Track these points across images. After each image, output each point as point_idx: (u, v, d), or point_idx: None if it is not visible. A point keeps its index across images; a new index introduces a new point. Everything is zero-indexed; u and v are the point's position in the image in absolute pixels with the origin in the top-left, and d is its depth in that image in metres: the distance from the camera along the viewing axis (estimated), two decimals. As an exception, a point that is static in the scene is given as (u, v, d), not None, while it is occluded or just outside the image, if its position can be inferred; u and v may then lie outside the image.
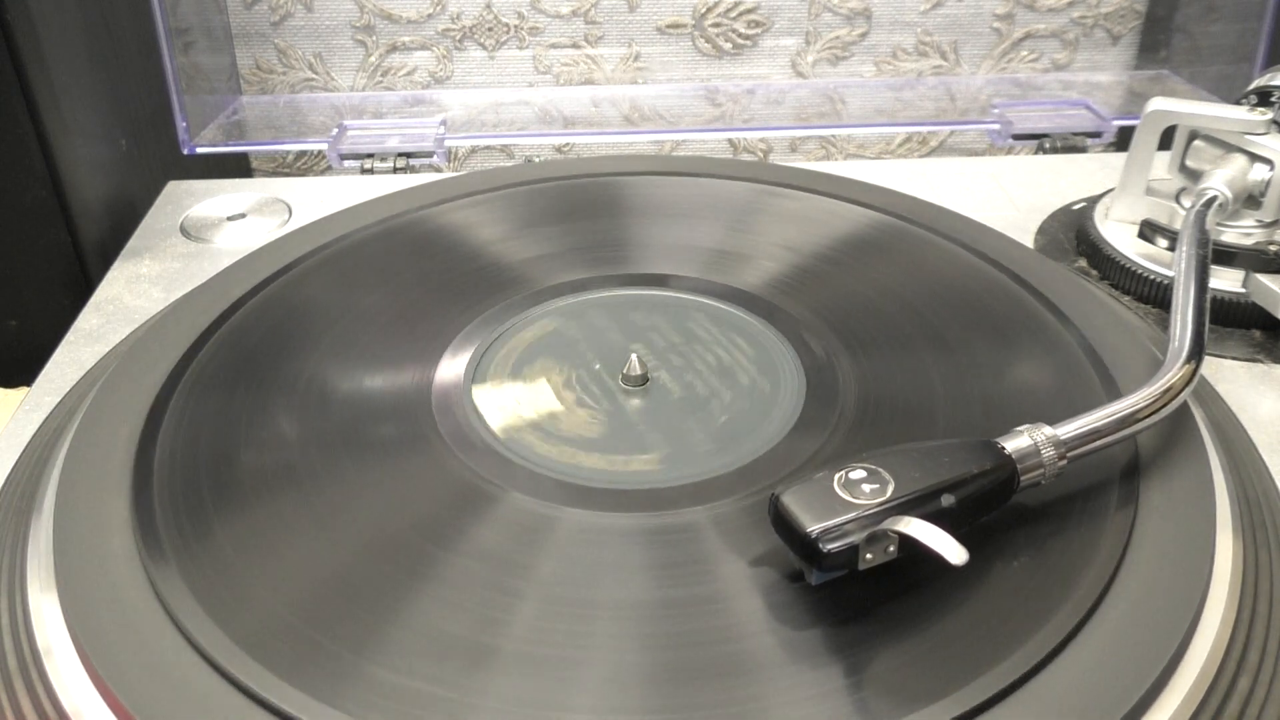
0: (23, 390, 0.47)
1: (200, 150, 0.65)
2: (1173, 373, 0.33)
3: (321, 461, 0.34)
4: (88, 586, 0.29)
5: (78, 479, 0.33)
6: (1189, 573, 0.29)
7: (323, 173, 0.80)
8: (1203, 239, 0.41)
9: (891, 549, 0.27)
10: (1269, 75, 0.48)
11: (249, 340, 0.40)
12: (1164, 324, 0.37)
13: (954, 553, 0.26)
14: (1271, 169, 0.45)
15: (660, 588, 0.29)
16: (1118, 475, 0.32)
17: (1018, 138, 0.66)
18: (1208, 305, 0.38)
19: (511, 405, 0.37)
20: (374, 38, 0.74)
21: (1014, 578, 0.29)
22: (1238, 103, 0.48)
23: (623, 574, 0.30)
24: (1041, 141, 0.65)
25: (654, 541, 0.31)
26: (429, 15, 0.73)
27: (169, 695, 0.26)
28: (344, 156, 0.63)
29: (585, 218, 0.48)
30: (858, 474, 0.28)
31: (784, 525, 0.28)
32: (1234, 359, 0.43)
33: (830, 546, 0.27)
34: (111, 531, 0.31)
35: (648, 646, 0.27)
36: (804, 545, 0.27)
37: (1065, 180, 0.58)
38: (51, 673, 0.28)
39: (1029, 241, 0.51)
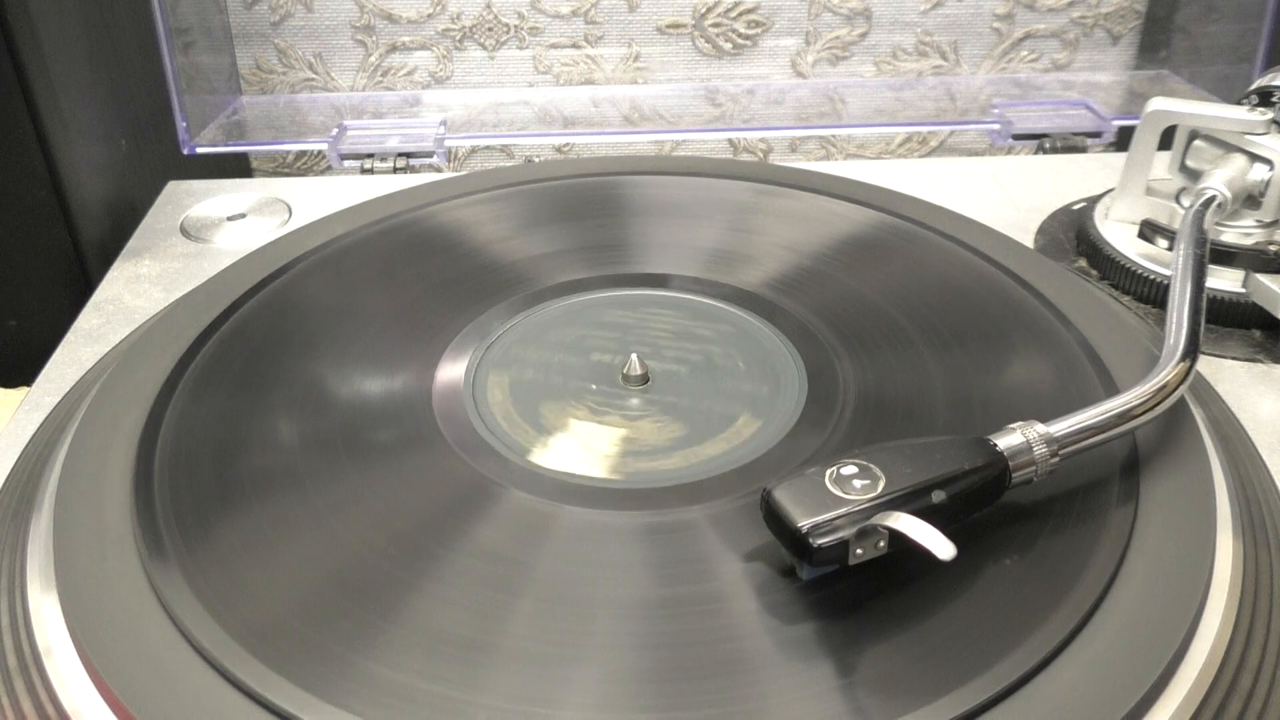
0: (23, 390, 0.47)
1: (200, 150, 0.65)
2: (1167, 370, 0.33)
3: (321, 460, 0.34)
4: (88, 586, 0.29)
5: (78, 479, 0.33)
6: (1189, 573, 0.29)
7: (323, 173, 0.80)
8: (1200, 238, 0.41)
9: (882, 544, 0.27)
10: (1270, 75, 0.48)
11: (249, 340, 0.40)
12: (1163, 324, 0.37)
13: (942, 548, 0.26)
14: (1271, 169, 0.45)
15: (659, 586, 0.29)
16: (1118, 475, 0.32)
17: (1018, 138, 0.66)
18: (1204, 304, 0.38)
19: (511, 405, 0.37)
20: (374, 38, 0.74)
21: (1015, 577, 0.29)
22: (1239, 103, 0.48)
23: (621, 572, 0.30)
24: (1041, 141, 0.65)
25: (653, 540, 0.31)
26: (429, 15, 0.73)
27: (169, 695, 0.26)
28: (344, 156, 0.63)
29: (585, 218, 0.48)
30: (849, 470, 0.28)
31: (775, 520, 0.28)
32: (1234, 359, 0.43)
33: (820, 541, 0.27)
34: (111, 531, 0.31)
35: (645, 645, 0.27)
36: (795, 540, 0.27)
37: (1065, 180, 0.58)
38: (51, 673, 0.28)
39: (1029, 241, 0.52)
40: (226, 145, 0.66)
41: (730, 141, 0.79)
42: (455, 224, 0.48)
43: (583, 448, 0.35)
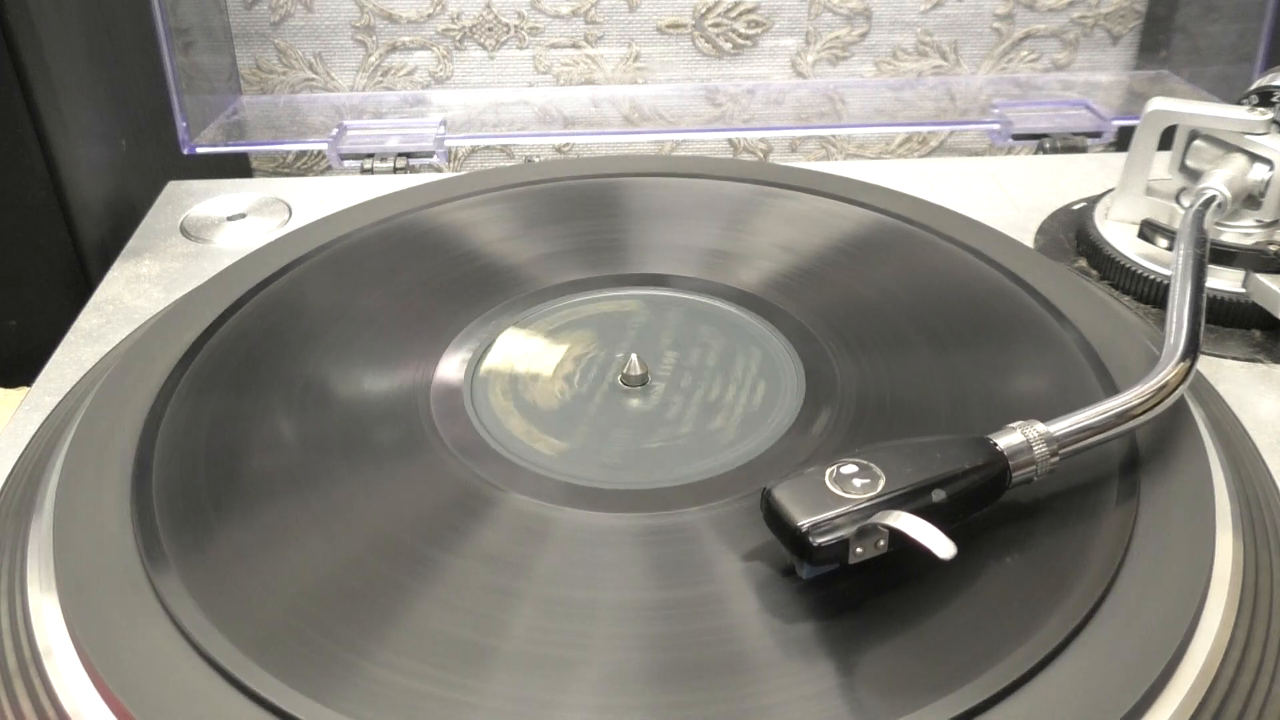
0: (23, 390, 0.47)
1: (200, 150, 0.65)
2: (1167, 370, 0.33)
3: (321, 461, 0.34)
4: (88, 586, 0.29)
5: (78, 479, 0.33)
6: (1189, 573, 0.29)
7: (323, 173, 0.80)
8: (1200, 238, 0.41)
9: (882, 543, 0.27)
10: (1270, 75, 0.48)
11: (249, 340, 0.40)
12: (1164, 324, 0.37)
13: (942, 547, 0.26)
14: (1271, 169, 0.45)
15: (659, 588, 0.29)
16: (1118, 475, 0.32)
17: (1018, 138, 0.66)
18: (1204, 304, 0.38)
19: (510, 405, 0.37)
20: (374, 38, 0.74)
21: (1015, 577, 0.29)
22: (1239, 103, 0.48)
23: (621, 574, 0.30)
24: (1041, 141, 0.65)
25: (652, 541, 0.31)
26: (429, 15, 0.73)
27: (169, 695, 0.26)
28: (344, 156, 0.63)
29: (585, 218, 0.48)
30: (849, 469, 0.28)
31: (775, 519, 0.28)
32: (1234, 359, 0.43)
33: (820, 540, 0.27)
34: (111, 532, 0.31)
35: (646, 646, 0.27)
36: (794, 539, 0.27)
37: (1065, 180, 0.58)
38: (51, 673, 0.28)
39: (1029, 241, 0.51)
40: (226, 145, 0.66)
41: (730, 141, 0.79)
42: (455, 224, 0.48)
43: (582, 449, 0.35)
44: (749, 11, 0.74)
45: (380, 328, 0.40)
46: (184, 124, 0.64)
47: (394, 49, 0.75)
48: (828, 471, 0.28)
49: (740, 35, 0.75)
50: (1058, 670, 0.26)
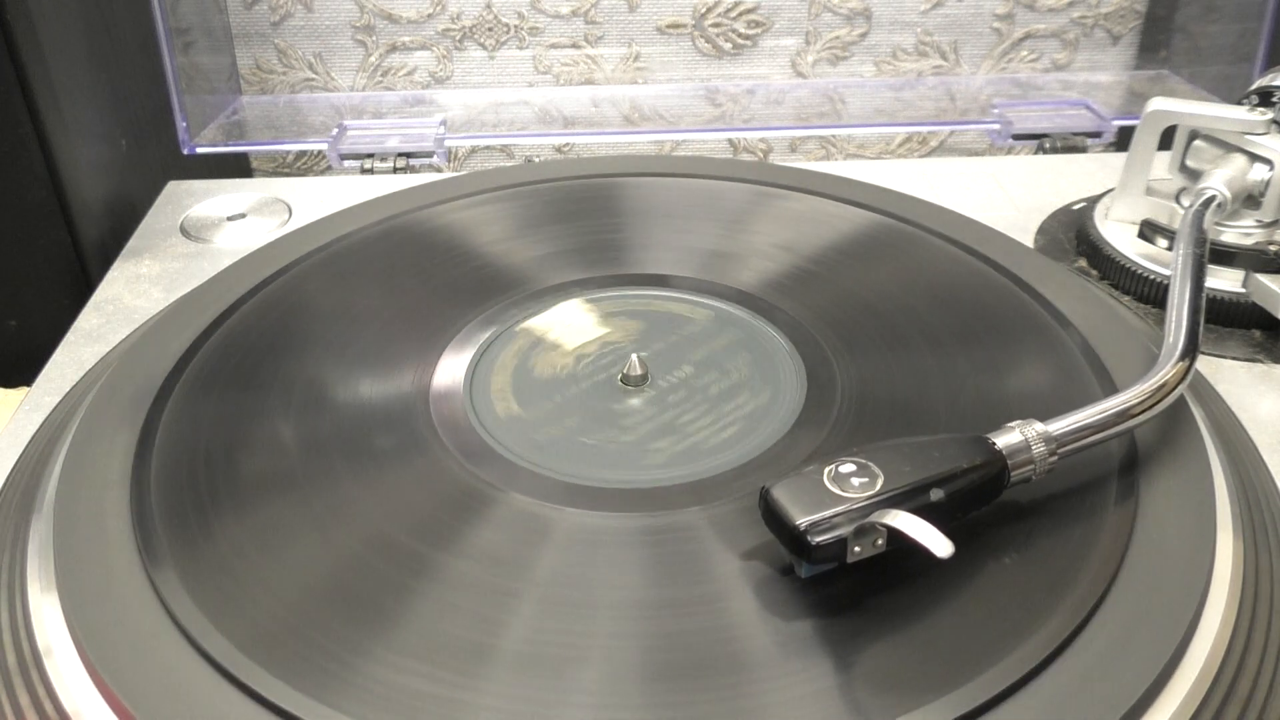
0: (23, 390, 0.47)
1: (200, 150, 0.65)
2: (1166, 370, 0.33)
3: (320, 461, 0.34)
4: (88, 586, 0.29)
5: (78, 479, 0.33)
6: (1189, 573, 0.29)
7: (323, 173, 0.80)
8: (1200, 238, 0.41)
9: (880, 542, 0.28)
10: (1270, 75, 0.48)
11: (248, 341, 0.40)
12: (1163, 324, 0.37)
13: (940, 546, 0.26)
14: (1271, 169, 0.45)
15: (658, 587, 0.29)
16: (1118, 475, 0.32)
17: (1018, 138, 0.66)
18: (1203, 304, 0.38)
19: (510, 405, 0.37)
20: (374, 38, 0.74)
21: (1016, 577, 0.29)
22: (1239, 103, 0.48)
23: (621, 574, 0.30)
24: (1041, 141, 0.65)
25: (652, 541, 0.31)
26: (429, 15, 0.73)
27: (169, 695, 0.26)
28: (344, 156, 0.63)
29: (585, 218, 0.48)
30: (847, 468, 0.28)
31: (774, 518, 0.28)
32: (1234, 359, 0.43)
33: (819, 539, 0.27)
34: (111, 531, 0.31)
35: (646, 646, 0.27)
36: (793, 538, 0.27)
37: (1065, 180, 0.58)
38: (51, 673, 0.28)
39: (1029, 241, 0.52)
40: (226, 145, 0.66)
41: (730, 141, 0.79)
42: (455, 224, 0.48)
43: (581, 449, 0.35)
44: (749, 11, 0.74)
45: (380, 327, 0.40)
46: (184, 124, 0.64)
47: (394, 49, 0.75)
48: (826, 470, 0.28)
49: (740, 35, 0.75)
50: (1058, 670, 0.26)
